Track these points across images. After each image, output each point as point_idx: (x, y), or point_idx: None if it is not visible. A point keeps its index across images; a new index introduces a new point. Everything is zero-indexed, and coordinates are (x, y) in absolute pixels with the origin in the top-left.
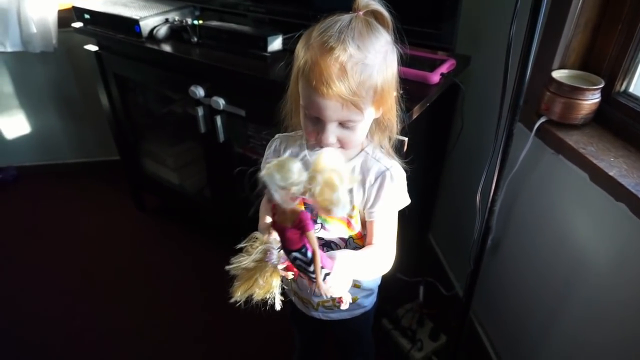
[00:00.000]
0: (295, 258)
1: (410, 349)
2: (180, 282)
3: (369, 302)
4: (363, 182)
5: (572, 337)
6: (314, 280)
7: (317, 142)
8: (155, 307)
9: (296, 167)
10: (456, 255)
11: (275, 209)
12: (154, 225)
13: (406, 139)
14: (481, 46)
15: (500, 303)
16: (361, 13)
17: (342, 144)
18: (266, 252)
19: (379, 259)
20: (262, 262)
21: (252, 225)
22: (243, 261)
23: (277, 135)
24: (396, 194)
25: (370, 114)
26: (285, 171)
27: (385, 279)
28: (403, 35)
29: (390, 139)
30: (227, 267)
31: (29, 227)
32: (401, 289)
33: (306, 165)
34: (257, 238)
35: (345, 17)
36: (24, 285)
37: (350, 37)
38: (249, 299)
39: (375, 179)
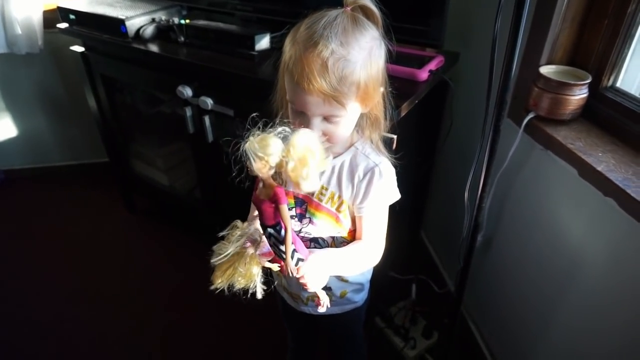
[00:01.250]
0: (270, 235)
1: (403, 347)
2: (173, 283)
3: (360, 298)
4: (352, 178)
5: (565, 332)
6: (284, 259)
7: None
8: (148, 309)
9: (275, 141)
10: (448, 252)
11: (256, 184)
12: (145, 226)
13: (395, 136)
14: (470, 43)
15: (493, 300)
16: (349, 8)
17: (327, 138)
18: (244, 239)
19: (364, 254)
20: (242, 250)
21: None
22: (224, 250)
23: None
24: (385, 190)
25: (354, 109)
26: (265, 144)
27: (377, 277)
28: (391, 32)
29: (378, 134)
30: (210, 258)
31: (18, 231)
32: (393, 287)
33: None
34: (237, 226)
35: (332, 13)
36: (13, 289)
37: (334, 33)
38: (230, 288)
39: (364, 175)
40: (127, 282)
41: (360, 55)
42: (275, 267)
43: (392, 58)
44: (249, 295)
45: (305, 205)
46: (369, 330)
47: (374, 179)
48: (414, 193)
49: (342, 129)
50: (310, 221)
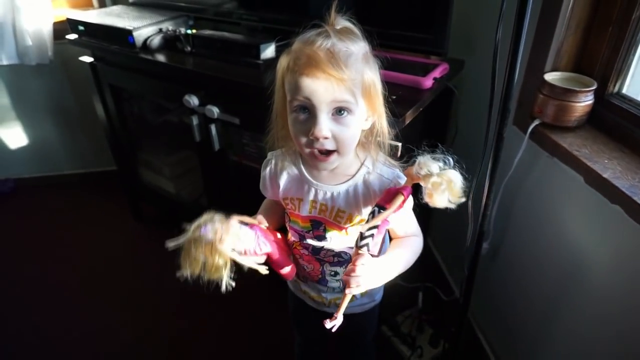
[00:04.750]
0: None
1: (410, 356)
2: (179, 290)
3: (379, 295)
4: (369, 198)
5: (571, 339)
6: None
7: (310, 145)
8: (155, 318)
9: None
10: (455, 259)
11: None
12: (151, 234)
13: (399, 144)
14: (475, 50)
15: (500, 308)
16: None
17: (337, 144)
18: (201, 225)
19: (412, 247)
20: (197, 236)
21: None
22: (180, 237)
23: (270, 155)
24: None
25: (362, 107)
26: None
27: (384, 285)
28: (374, 41)
29: (383, 145)
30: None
31: (26, 239)
32: (400, 295)
33: (300, 180)
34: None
35: (322, 28)
36: (20, 297)
37: (330, 34)
38: (198, 278)
39: (381, 192)
40: (133, 290)
41: (359, 52)
42: (263, 270)
43: (397, 66)
44: (214, 288)
45: (322, 227)
46: (376, 339)
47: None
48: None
49: (352, 130)
50: (331, 241)
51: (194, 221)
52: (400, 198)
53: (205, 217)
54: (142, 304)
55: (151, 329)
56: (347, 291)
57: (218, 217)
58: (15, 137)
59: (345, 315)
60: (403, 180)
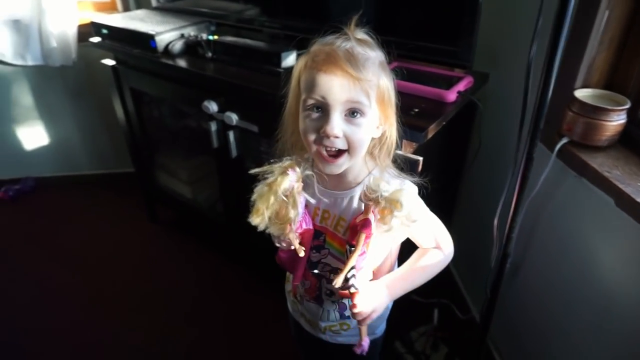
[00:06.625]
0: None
1: None
2: (191, 295)
3: (380, 329)
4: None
5: None
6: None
7: (319, 142)
8: (165, 321)
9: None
10: (473, 277)
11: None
12: (167, 237)
13: (421, 158)
14: (500, 63)
15: (519, 329)
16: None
17: (348, 144)
18: (286, 170)
19: (424, 263)
20: (283, 175)
21: (264, 243)
22: (266, 181)
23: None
24: (417, 206)
25: (374, 111)
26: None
27: (399, 300)
28: (414, 52)
29: (389, 155)
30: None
31: (43, 236)
32: (415, 311)
33: (308, 186)
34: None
35: (342, 32)
36: (35, 295)
37: (350, 36)
38: (265, 232)
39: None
40: (146, 292)
41: (376, 58)
42: (301, 249)
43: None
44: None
45: (323, 237)
46: (389, 355)
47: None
48: (438, 215)
49: (362, 132)
50: (329, 252)
51: (271, 163)
52: (362, 236)
53: (287, 163)
54: (154, 307)
55: (162, 331)
56: (360, 326)
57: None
58: (37, 136)
59: (344, 345)
60: (410, 189)
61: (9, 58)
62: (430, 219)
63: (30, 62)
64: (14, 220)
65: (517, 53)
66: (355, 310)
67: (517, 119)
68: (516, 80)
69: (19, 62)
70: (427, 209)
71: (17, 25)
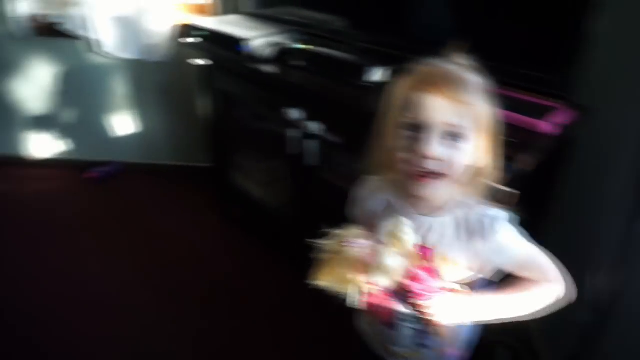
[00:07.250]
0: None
1: None
2: (253, 297)
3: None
4: (461, 236)
5: None
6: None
7: (411, 162)
8: (214, 316)
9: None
10: (549, 322)
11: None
12: (235, 236)
13: (518, 192)
14: (608, 98)
15: None
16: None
17: (444, 167)
18: (345, 238)
19: (522, 293)
20: (341, 247)
21: None
22: (329, 244)
23: (367, 178)
24: (515, 237)
25: (473, 140)
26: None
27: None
28: (511, 78)
29: (482, 184)
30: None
31: (113, 221)
32: (474, 348)
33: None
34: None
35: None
36: (97, 275)
37: (453, 61)
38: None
39: (484, 234)
40: (204, 285)
41: (478, 84)
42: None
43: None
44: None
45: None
46: None
47: (498, 234)
48: None
49: (461, 156)
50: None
51: (336, 231)
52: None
53: (353, 231)
54: (208, 301)
55: (209, 329)
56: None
57: (358, 232)
58: (126, 124)
59: None
60: (503, 216)
61: (113, 51)
62: (530, 248)
63: (129, 56)
64: (100, 199)
65: (629, 90)
66: (420, 303)
67: (623, 162)
68: (627, 118)
69: (121, 55)
70: (523, 239)
71: (122, 22)
